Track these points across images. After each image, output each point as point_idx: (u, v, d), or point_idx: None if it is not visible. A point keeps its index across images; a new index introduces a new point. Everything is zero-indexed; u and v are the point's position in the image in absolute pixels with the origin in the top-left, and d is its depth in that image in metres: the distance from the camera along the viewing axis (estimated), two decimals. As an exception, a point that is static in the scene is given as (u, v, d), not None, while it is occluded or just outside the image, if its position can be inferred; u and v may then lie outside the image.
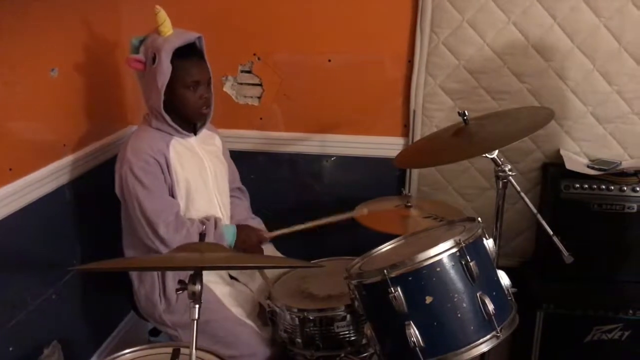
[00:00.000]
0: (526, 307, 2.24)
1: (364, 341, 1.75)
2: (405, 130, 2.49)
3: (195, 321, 1.18)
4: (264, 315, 1.91)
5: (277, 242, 2.21)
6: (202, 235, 1.56)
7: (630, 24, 2.20)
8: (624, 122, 2.31)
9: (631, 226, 2.17)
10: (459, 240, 1.44)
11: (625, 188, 2.17)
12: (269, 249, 2.16)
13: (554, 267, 2.09)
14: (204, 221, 1.92)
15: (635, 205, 2.17)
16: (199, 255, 1.21)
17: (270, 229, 2.15)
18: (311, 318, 1.74)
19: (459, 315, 1.43)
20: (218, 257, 1.26)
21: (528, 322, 2.23)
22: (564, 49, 2.25)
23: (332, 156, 2.58)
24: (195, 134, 2.04)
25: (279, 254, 2.18)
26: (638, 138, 2.32)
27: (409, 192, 2.44)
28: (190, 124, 2.01)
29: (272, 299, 1.85)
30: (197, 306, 1.18)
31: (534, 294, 2.24)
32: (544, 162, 2.39)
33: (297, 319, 1.76)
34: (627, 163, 2.30)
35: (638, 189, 2.16)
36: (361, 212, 2.04)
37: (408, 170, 2.49)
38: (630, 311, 2.13)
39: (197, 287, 1.17)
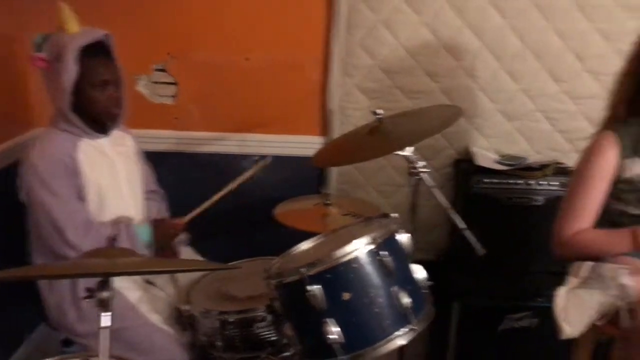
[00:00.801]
0: (443, 300, 2.32)
1: (284, 341, 1.74)
2: (324, 129, 2.51)
3: (104, 330, 1.13)
4: (183, 319, 1.86)
5: (195, 244, 2.17)
6: (111, 240, 1.50)
7: (533, 25, 2.31)
8: (529, 119, 2.43)
9: (538, 218, 2.29)
10: (375, 236, 1.47)
11: (531, 182, 2.29)
12: (187, 252, 2.12)
13: (468, 259, 2.15)
14: (115, 224, 1.86)
15: (541, 198, 2.29)
16: (107, 261, 1.17)
17: (190, 231, 2.11)
18: (231, 320, 1.72)
19: (376, 310, 1.45)
20: (128, 262, 1.22)
21: (445, 313, 2.30)
22: (473, 49, 2.34)
23: (255, 155, 2.56)
24: (106, 134, 1.96)
25: (197, 257, 2.14)
26: (543, 134, 2.45)
27: (329, 190, 2.46)
28: (100, 124, 1.93)
29: (190, 303, 1.81)
30: (106, 314, 1.14)
31: (450, 286, 2.31)
32: (456, 159, 2.48)
33: (216, 321, 1.73)
34: (533, 158, 2.43)
35: (543, 182, 2.28)
36: (264, 162, 2.11)
37: (327, 169, 2.51)
38: (539, 299, 2.24)
39: (106, 294, 1.13)
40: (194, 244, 2.15)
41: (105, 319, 1.14)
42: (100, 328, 1.13)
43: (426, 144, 2.43)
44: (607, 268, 1.57)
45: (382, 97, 2.41)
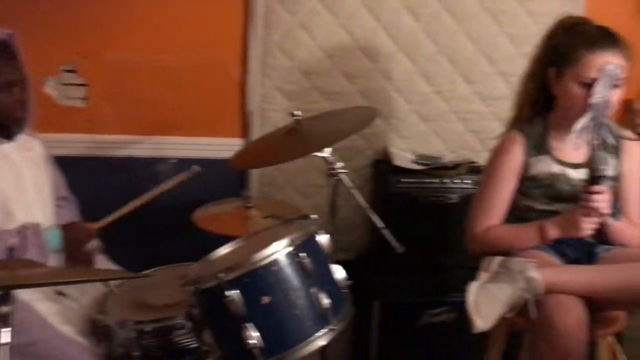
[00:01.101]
0: (364, 298, 2.36)
1: (204, 348, 1.70)
2: (244, 131, 2.48)
3: (4, 346, 1.07)
4: (98, 330, 1.79)
5: (110, 252, 2.09)
6: (9, 250, 1.42)
7: (445, 29, 2.39)
8: (443, 120, 2.51)
9: (453, 215, 2.36)
10: (294, 238, 1.46)
11: (446, 181, 2.36)
12: (101, 261, 2.04)
13: (388, 258, 2.20)
14: (22, 231, 1.76)
15: (455, 196, 2.36)
16: (7, 272, 1.10)
17: (103, 239, 2.03)
18: (148, 329, 1.67)
19: (295, 312, 1.45)
20: (32, 273, 1.16)
21: (366, 312, 2.33)
22: (388, 51, 2.39)
23: (173, 159, 2.50)
24: (11, 139, 1.86)
25: (112, 266, 2.06)
26: (456, 135, 2.53)
27: (250, 193, 2.43)
28: (4, 129, 1.83)
29: (105, 313, 1.74)
30: (5, 330, 1.07)
31: (370, 284, 2.34)
32: (375, 159, 2.52)
33: (133, 331, 1.67)
34: (448, 157, 2.51)
35: (457, 181, 2.36)
36: (191, 172, 2.05)
37: (248, 171, 2.48)
38: (455, 294, 2.31)
39: (5, 308, 1.06)
40: (108, 251, 2.07)
41: (5, 335, 1.07)
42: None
43: (345, 145, 2.45)
44: (515, 262, 1.64)
45: (301, 98, 2.42)
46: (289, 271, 1.45)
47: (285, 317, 1.44)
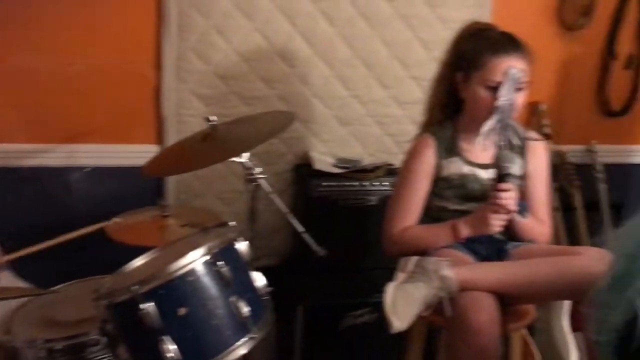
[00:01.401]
0: (287, 303, 2.35)
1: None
2: (160, 137, 2.42)
3: None
4: (3, 352, 1.69)
5: (18, 267, 1.98)
6: None
7: (360, 34, 2.42)
8: (361, 124, 2.54)
9: (373, 217, 2.39)
10: (211, 246, 1.44)
11: (366, 183, 2.39)
12: (6, 278, 1.92)
13: (310, 262, 2.21)
14: None
15: (375, 198, 2.40)
16: None
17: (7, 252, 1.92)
18: (58, 347, 1.59)
19: (214, 322, 1.42)
20: None
21: (289, 317, 2.32)
22: (305, 56, 2.40)
23: (87, 167, 2.40)
24: None
25: (19, 283, 1.95)
26: (374, 138, 2.57)
27: (167, 201, 2.37)
28: None
29: (11, 334, 1.64)
30: None
31: (293, 289, 2.34)
32: (296, 164, 2.52)
33: (42, 351, 1.60)
34: (367, 160, 2.54)
35: (376, 183, 2.39)
36: (118, 222, 1.93)
37: (165, 179, 2.42)
38: (376, 295, 2.34)
39: None
40: (15, 267, 1.96)
41: None
42: None
43: (265, 149, 2.44)
44: (430, 261, 1.68)
45: (219, 103, 2.38)
46: (206, 281, 1.43)
47: (204, 328, 1.41)
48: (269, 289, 1.66)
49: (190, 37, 2.28)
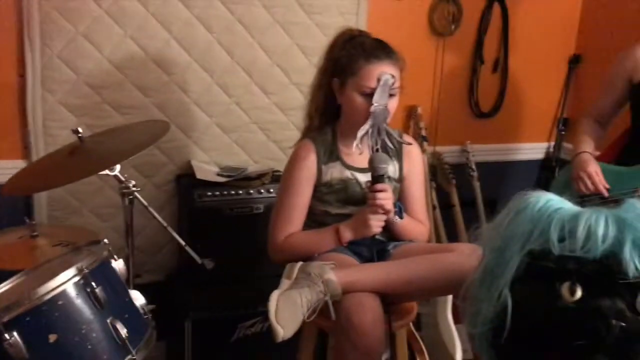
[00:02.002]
0: (175, 319, 2.27)
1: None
2: (27, 152, 2.24)
3: None
4: None
5: None
6: None
7: (239, 41, 2.39)
8: (245, 130, 2.51)
9: (260, 225, 2.36)
10: (82, 266, 1.34)
11: (252, 191, 2.36)
12: None
13: (198, 274, 2.15)
14: None
15: (262, 206, 2.37)
16: None
17: None
18: None
19: (89, 347, 1.32)
20: None
21: (178, 332, 2.24)
22: (183, 63, 2.33)
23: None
24: None
25: None
26: (258, 144, 2.55)
27: (37, 220, 2.20)
28: None
29: None
30: None
31: (180, 304, 2.26)
32: (178, 174, 2.44)
33: None
34: (252, 168, 2.51)
35: (262, 190, 2.37)
36: None
37: (34, 196, 2.25)
38: (266, 304, 2.31)
39: None
40: None
41: None
42: None
43: (145, 160, 2.35)
44: (314, 266, 1.68)
45: (91, 113, 2.26)
46: (78, 303, 1.33)
47: (78, 354, 1.31)
48: (151, 306, 1.59)
49: (56, 44, 2.14)
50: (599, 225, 0.88)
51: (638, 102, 2.12)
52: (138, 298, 1.52)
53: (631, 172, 2.03)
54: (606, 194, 2.02)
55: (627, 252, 0.86)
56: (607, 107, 2.20)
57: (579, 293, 0.88)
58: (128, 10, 2.21)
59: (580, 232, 0.88)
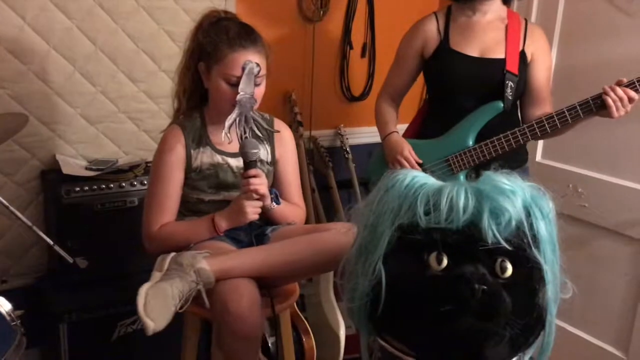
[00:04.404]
0: (49, 323, 2.14)
1: None
2: None
3: None
4: None
5: None
6: None
7: (102, 27, 2.27)
8: (113, 120, 2.40)
9: (135, 219, 2.27)
10: None
11: (124, 184, 2.27)
12: None
13: (71, 274, 2.04)
14: None
15: (136, 199, 2.29)
16: None
17: None
18: None
19: (-52, 362, 1.22)
20: None
21: (53, 336, 2.13)
22: (41, 51, 2.18)
23: None
24: None
25: None
26: (129, 135, 2.45)
27: None
28: None
29: None
30: None
31: (53, 307, 2.14)
32: (42, 170, 2.29)
33: None
34: (123, 160, 2.41)
35: (135, 183, 2.28)
36: None
37: None
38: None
39: None
40: None
41: None
42: None
43: (4, 157, 2.18)
44: (186, 256, 1.65)
45: (-64, 108, 2.05)
46: None
47: None
48: (19, 312, 1.49)
49: None
50: (460, 197, 0.95)
51: (430, 77, 2.26)
52: (3, 304, 1.43)
53: (438, 143, 2.18)
54: (419, 169, 2.16)
55: (486, 220, 0.94)
56: (401, 84, 2.33)
57: (445, 262, 0.95)
58: (-27, -5, 2.03)
59: (444, 205, 0.95)
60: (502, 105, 2.06)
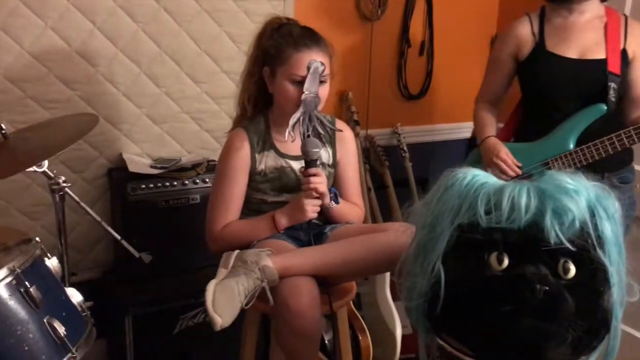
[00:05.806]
0: (115, 315, 2.23)
1: None
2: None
3: None
4: None
5: None
6: None
7: (166, 30, 2.35)
8: (176, 121, 2.47)
9: (197, 215, 2.34)
10: (13, 266, 1.31)
11: (187, 182, 2.34)
12: None
13: (136, 268, 2.11)
14: None
15: (198, 196, 2.36)
16: None
17: None
18: None
19: (26, 348, 1.30)
20: None
21: (119, 328, 2.21)
22: (109, 54, 2.27)
23: None
24: None
25: None
26: (191, 134, 2.52)
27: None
28: None
29: None
30: None
31: (119, 300, 2.23)
32: (109, 168, 2.38)
33: None
34: (186, 158, 2.48)
35: (198, 181, 2.35)
36: None
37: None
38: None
39: None
40: None
41: None
42: None
43: (74, 155, 2.28)
44: (250, 253, 1.68)
45: (14, 109, 2.16)
46: (11, 304, 1.30)
47: (14, 356, 1.28)
48: (89, 303, 1.56)
49: (-31, 37, 2.04)
50: (522, 197, 0.93)
51: (526, 80, 2.21)
52: (75, 295, 1.50)
53: (537, 147, 2.13)
54: (520, 172, 2.12)
55: (548, 220, 0.92)
56: (498, 87, 2.29)
57: (505, 262, 0.93)
58: (47, 0, 2.13)
59: (505, 204, 0.94)
60: (605, 108, 2.00)
